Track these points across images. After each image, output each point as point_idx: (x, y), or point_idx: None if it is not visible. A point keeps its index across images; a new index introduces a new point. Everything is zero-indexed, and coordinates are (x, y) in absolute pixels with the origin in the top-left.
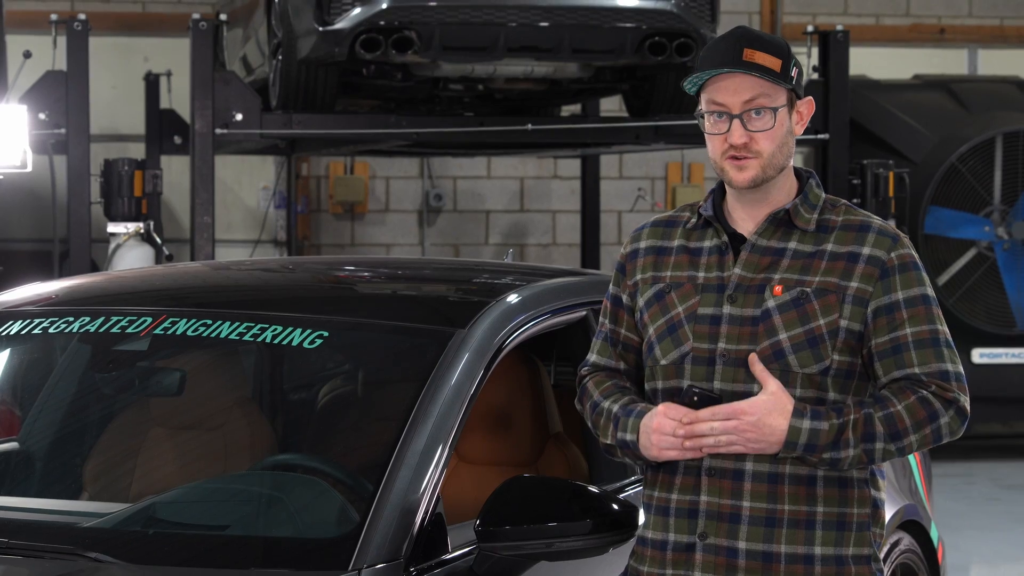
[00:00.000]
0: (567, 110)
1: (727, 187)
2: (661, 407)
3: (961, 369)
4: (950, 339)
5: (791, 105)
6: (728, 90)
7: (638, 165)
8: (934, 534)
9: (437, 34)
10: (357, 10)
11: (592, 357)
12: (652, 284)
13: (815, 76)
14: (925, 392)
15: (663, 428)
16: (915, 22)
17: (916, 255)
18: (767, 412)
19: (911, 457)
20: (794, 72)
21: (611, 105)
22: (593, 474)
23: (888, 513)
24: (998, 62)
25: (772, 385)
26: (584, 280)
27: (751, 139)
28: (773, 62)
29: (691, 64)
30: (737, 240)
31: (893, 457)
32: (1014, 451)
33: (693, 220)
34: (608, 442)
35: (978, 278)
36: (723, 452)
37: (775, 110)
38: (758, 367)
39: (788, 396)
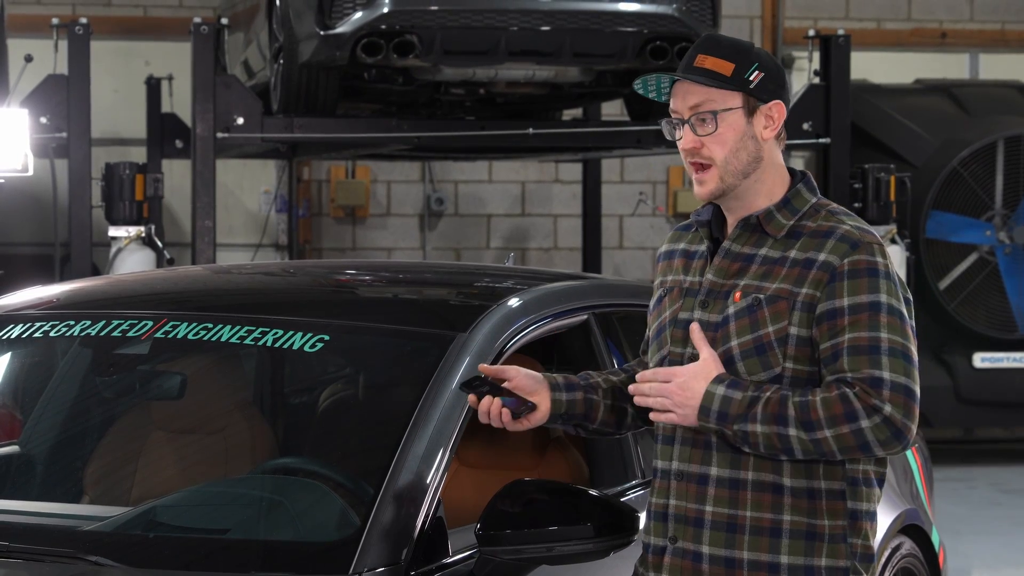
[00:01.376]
0: (568, 114)
1: None
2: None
3: (904, 381)
4: (899, 349)
5: (751, 109)
6: (678, 96)
7: (639, 169)
8: (935, 538)
9: (438, 38)
10: (358, 14)
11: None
12: (658, 289)
13: (816, 80)
14: (848, 391)
15: None
16: (916, 26)
17: (882, 260)
18: (693, 376)
19: (912, 461)
20: (754, 76)
21: (612, 109)
22: (594, 478)
23: (889, 517)
24: (999, 66)
25: (705, 352)
26: (586, 284)
27: (701, 144)
28: (724, 66)
29: None
30: (719, 246)
31: (812, 453)
32: (1015, 455)
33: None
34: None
35: (979, 282)
36: (662, 418)
37: (716, 113)
38: (696, 335)
39: (718, 365)
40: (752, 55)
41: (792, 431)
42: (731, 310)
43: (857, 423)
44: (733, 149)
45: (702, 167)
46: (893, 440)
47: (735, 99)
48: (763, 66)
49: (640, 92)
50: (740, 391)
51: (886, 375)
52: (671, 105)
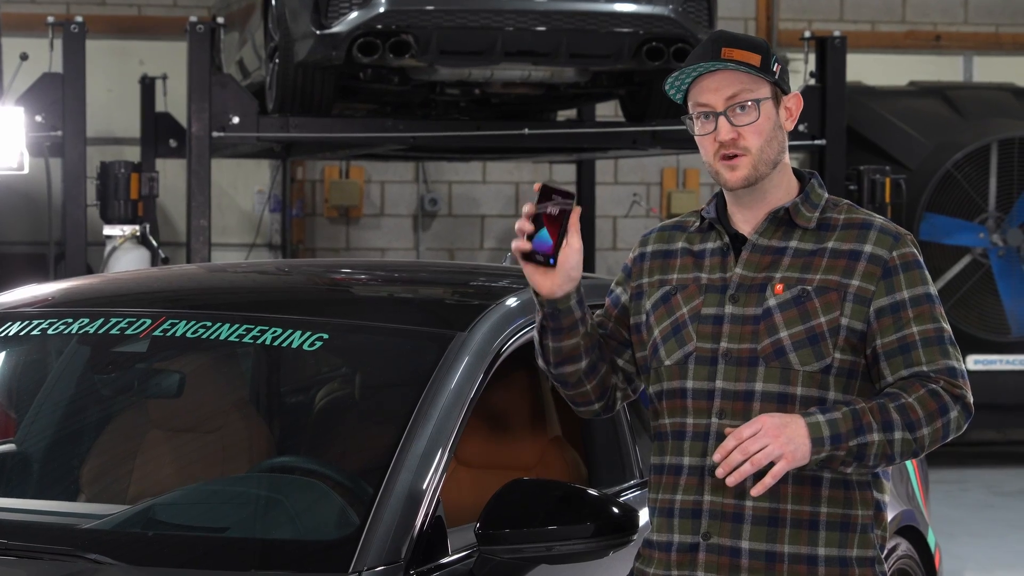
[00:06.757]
0: (563, 115)
1: (724, 190)
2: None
3: (964, 367)
4: (953, 338)
5: (777, 100)
6: (710, 89)
7: (633, 170)
8: (931, 540)
9: (434, 38)
10: (354, 14)
11: None
12: (659, 287)
13: (812, 82)
14: (934, 386)
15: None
16: (911, 29)
17: (919, 253)
18: (782, 423)
19: (908, 462)
20: (776, 67)
21: (607, 110)
22: (592, 477)
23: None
24: (993, 69)
25: (762, 415)
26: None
27: (739, 134)
28: (752, 57)
29: None
30: (739, 241)
31: (910, 453)
32: (1009, 458)
33: (697, 223)
34: (543, 362)
35: (973, 285)
36: (764, 462)
37: (759, 102)
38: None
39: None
40: (768, 48)
41: (899, 434)
42: (772, 302)
43: (948, 415)
44: (767, 138)
45: (735, 154)
46: (965, 424)
47: (766, 89)
48: (777, 59)
49: (669, 91)
50: (836, 411)
51: (956, 364)
52: (698, 100)
